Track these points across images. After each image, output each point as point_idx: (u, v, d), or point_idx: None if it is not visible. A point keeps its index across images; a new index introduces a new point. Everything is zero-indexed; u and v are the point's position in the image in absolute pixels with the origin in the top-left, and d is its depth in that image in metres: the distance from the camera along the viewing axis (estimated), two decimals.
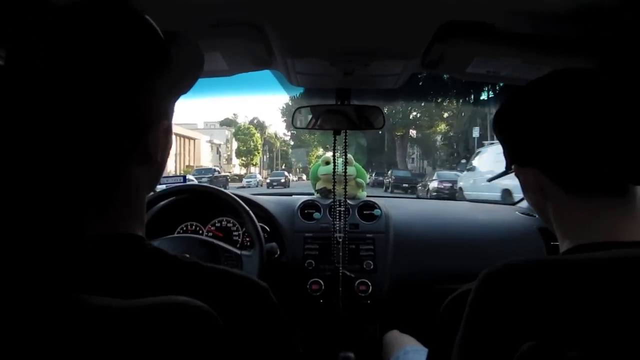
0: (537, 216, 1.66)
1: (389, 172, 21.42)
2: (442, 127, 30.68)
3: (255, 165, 46.83)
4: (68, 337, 0.34)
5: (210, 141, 43.48)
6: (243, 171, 45.86)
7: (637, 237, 0.50)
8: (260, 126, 51.01)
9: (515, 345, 0.40)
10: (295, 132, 48.59)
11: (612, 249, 0.46)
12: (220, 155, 46.57)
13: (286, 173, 39.23)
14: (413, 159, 38.11)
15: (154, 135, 0.47)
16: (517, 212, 1.74)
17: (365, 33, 0.79)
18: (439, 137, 32.70)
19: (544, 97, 0.56)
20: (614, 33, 0.51)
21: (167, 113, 0.50)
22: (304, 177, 43.41)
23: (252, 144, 45.37)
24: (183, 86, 0.52)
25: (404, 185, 17.99)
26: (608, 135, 0.50)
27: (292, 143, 57.34)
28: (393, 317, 1.46)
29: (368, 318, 1.49)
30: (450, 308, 0.59)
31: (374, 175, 23.41)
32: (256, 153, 45.98)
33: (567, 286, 0.42)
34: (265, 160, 52.80)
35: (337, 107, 1.21)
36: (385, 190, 17.80)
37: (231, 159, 49.58)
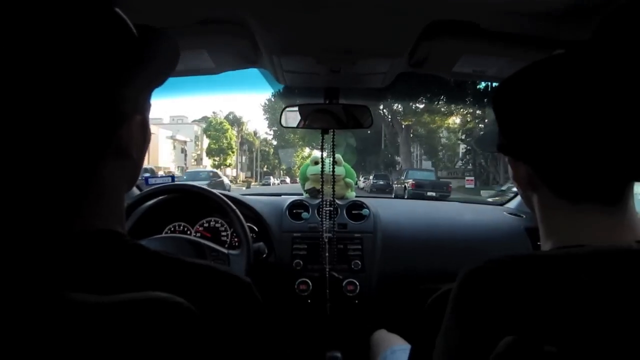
0: (524, 216, 1.67)
1: (405, 173, 16.89)
2: (451, 120, 25.59)
3: (228, 166, 40.54)
4: (46, 332, 0.33)
5: (172, 137, 36.80)
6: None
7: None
8: (236, 122, 44.21)
9: (495, 340, 0.40)
10: (278, 130, 45.12)
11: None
12: (186, 155, 41.10)
13: (271, 178, 37.53)
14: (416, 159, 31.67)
15: (128, 129, 0.47)
16: (504, 213, 1.75)
17: (351, 31, 0.79)
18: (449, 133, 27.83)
19: (540, 85, 0.53)
20: (600, 33, 0.50)
21: (142, 107, 0.49)
22: (288, 180, 41.52)
23: (225, 141, 38.43)
24: (157, 79, 0.51)
25: (430, 193, 12.91)
26: (605, 133, 0.47)
27: (275, 142, 52.35)
28: (381, 316, 1.46)
29: (356, 318, 1.49)
30: (433, 306, 0.60)
31: (372, 178, 19.34)
32: (230, 152, 39.17)
33: (544, 280, 0.42)
34: (243, 161, 48.78)
35: (325, 106, 1.21)
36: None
37: (202, 159, 42.64)
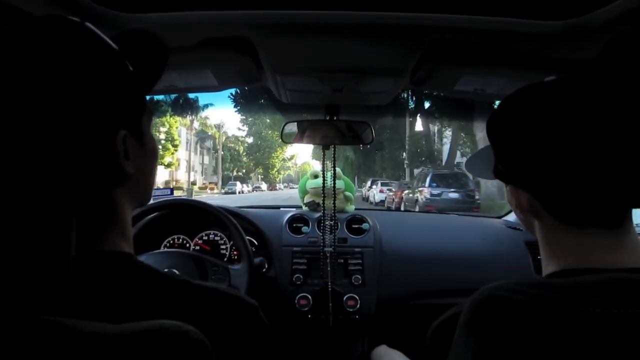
0: (523, 229, 1.68)
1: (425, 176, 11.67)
2: None
3: (168, 166, 27.77)
4: None
5: None
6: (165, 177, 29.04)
7: (625, 266, 0.49)
8: (189, 107, 24.08)
9: None
10: (254, 126, 39.80)
11: (597, 274, 0.47)
12: None
13: (238, 185, 30.81)
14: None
15: (115, 143, 0.45)
16: (503, 226, 1.75)
17: (354, 52, 0.80)
18: None
19: (540, 110, 0.52)
20: (603, 56, 0.50)
21: (130, 119, 0.48)
22: (264, 186, 38.63)
23: (161, 130, 25.64)
24: (144, 86, 0.50)
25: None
26: (606, 157, 0.47)
27: (250, 140, 45.07)
28: (381, 332, 1.45)
29: (356, 333, 1.48)
30: (439, 331, 0.59)
31: (378, 184, 16.06)
32: (170, 147, 26.55)
33: (557, 312, 0.42)
34: (206, 162, 40.64)
35: (325, 122, 1.21)
36: None
37: None
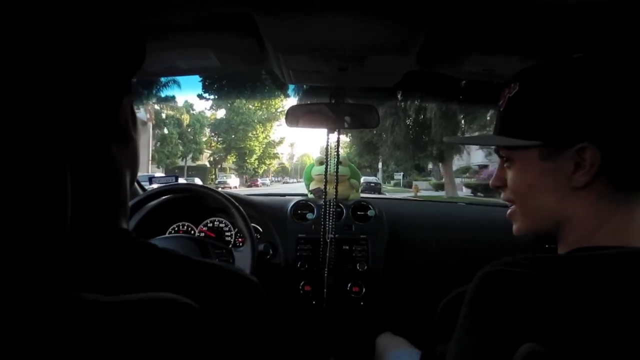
0: None
1: None
2: None
3: None
4: (57, 330, 0.33)
5: None
6: None
7: None
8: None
9: (514, 346, 0.38)
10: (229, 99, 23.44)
11: (612, 248, 0.45)
12: None
13: (233, 177, 26.46)
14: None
15: (122, 110, 0.47)
16: None
17: (359, 28, 0.78)
18: None
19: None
20: (613, 29, 0.48)
21: (128, 92, 0.49)
22: (234, 183, 25.25)
23: None
24: (135, 61, 0.51)
25: None
26: None
27: (221, 115, 30.61)
28: (386, 319, 1.44)
29: (361, 320, 1.47)
30: (446, 309, 0.58)
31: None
32: None
33: (564, 284, 0.41)
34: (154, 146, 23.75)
35: (331, 106, 1.19)
36: None
37: None
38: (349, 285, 1.43)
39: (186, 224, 1.56)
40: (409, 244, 1.54)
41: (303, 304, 1.44)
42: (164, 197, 1.48)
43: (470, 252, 1.48)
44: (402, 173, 28.37)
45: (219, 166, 32.13)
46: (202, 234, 1.55)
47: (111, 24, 0.46)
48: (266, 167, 37.18)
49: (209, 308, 0.40)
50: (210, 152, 31.49)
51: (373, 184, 20.39)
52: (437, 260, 1.50)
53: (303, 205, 1.61)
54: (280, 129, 39.04)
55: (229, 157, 31.78)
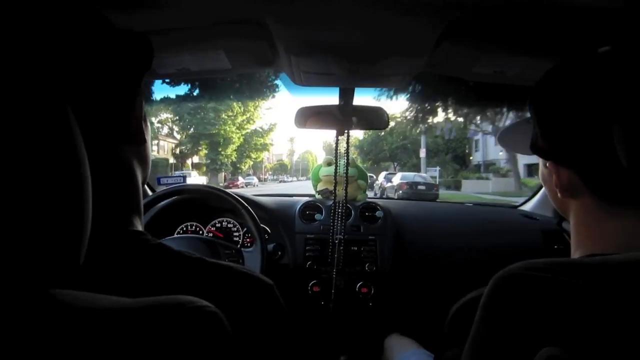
0: (539, 219, 1.65)
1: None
2: None
3: None
4: (72, 338, 0.32)
5: None
6: None
7: None
8: None
9: (532, 351, 0.38)
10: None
11: (627, 254, 0.44)
12: None
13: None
14: None
15: (135, 113, 0.48)
16: (519, 215, 1.73)
17: (371, 31, 0.78)
18: None
19: (588, 82, 0.49)
20: (624, 29, 0.48)
21: (140, 93, 0.50)
22: (196, 178, 17.11)
23: None
24: (145, 62, 0.51)
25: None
26: None
27: (184, 91, 6.74)
28: (394, 320, 1.44)
29: (369, 320, 1.47)
30: (458, 315, 0.58)
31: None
32: None
33: (583, 290, 0.41)
34: None
35: (340, 107, 1.19)
36: None
37: None
38: (358, 285, 1.43)
39: (194, 224, 1.57)
40: (417, 244, 1.54)
41: (312, 304, 1.44)
42: (172, 198, 1.48)
43: (479, 253, 1.48)
44: (437, 168, 21.04)
45: (191, 161, 24.44)
46: (211, 234, 1.55)
47: (122, 26, 0.46)
48: (251, 162, 28.43)
49: (226, 310, 0.40)
50: (175, 142, 23.83)
51: (423, 186, 12.50)
52: (444, 262, 1.50)
53: (311, 206, 1.62)
54: (270, 114, 30.34)
55: (200, 148, 23.43)
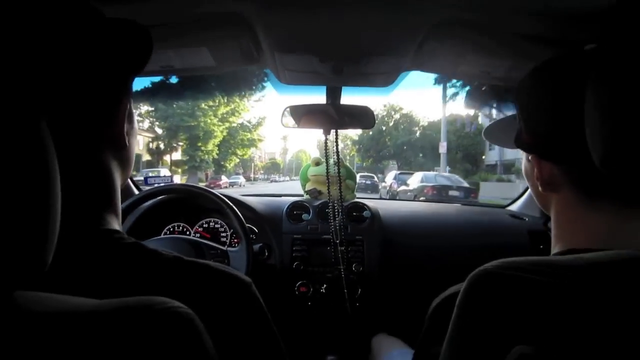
0: (527, 219, 1.66)
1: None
2: None
3: None
4: (30, 343, 0.31)
5: None
6: None
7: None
8: None
9: (505, 348, 0.38)
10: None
11: (603, 252, 0.45)
12: None
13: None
14: None
15: (118, 117, 0.47)
16: (507, 215, 1.73)
17: (355, 29, 0.78)
18: None
19: (572, 78, 0.49)
20: (609, 36, 0.48)
21: (127, 94, 0.49)
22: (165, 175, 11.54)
23: None
24: (136, 66, 0.50)
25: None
26: None
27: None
28: (381, 319, 1.44)
29: (356, 320, 1.47)
30: (438, 310, 0.58)
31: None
32: None
33: (556, 288, 0.41)
34: None
35: (326, 107, 1.19)
36: None
37: None
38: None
39: (181, 224, 1.56)
40: (403, 244, 1.53)
41: (298, 305, 1.44)
42: (158, 198, 1.47)
43: (466, 253, 1.48)
44: (447, 168, 16.82)
45: (170, 157, 21.61)
46: (198, 235, 1.54)
47: (114, 20, 0.45)
48: (238, 160, 25.75)
49: (201, 309, 0.39)
50: (151, 136, 21.20)
51: (456, 191, 9.60)
52: (432, 262, 1.50)
53: (299, 206, 1.61)
54: (259, 106, 28.06)
55: (179, 144, 20.69)
